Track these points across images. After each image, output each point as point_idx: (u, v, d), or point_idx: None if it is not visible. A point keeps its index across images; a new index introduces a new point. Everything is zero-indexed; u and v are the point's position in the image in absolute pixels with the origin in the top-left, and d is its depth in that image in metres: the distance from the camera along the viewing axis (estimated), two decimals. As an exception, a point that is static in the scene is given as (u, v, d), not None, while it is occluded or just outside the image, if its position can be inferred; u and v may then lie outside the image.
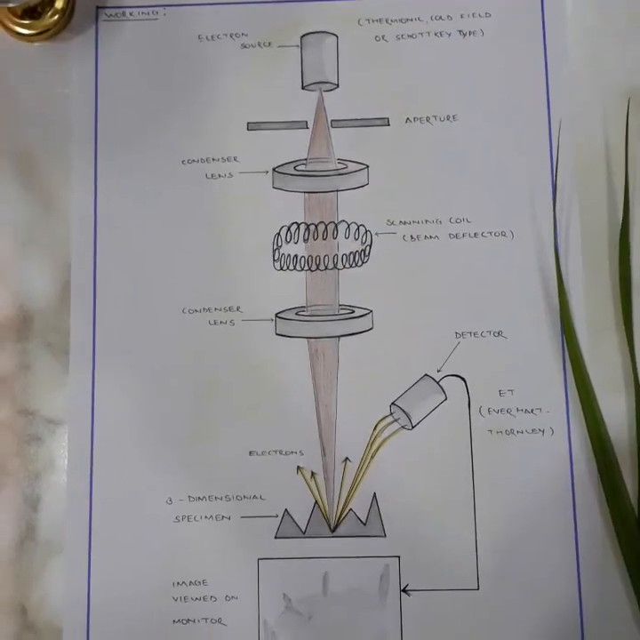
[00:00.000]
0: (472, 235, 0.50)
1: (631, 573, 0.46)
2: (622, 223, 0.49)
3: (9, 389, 0.49)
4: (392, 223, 0.50)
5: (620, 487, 0.47)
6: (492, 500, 0.48)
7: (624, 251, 0.49)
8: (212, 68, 0.52)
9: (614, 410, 0.48)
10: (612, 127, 0.51)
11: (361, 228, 0.50)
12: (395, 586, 0.47)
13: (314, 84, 0.52)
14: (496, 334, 0.49)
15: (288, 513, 0.48)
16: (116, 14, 0.53)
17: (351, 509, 0.48)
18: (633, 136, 0.50)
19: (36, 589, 0.48)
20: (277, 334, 0.50)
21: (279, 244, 0.50)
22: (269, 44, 0.52)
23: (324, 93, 0.52)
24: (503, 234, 0.50)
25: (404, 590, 0.47)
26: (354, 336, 0.50)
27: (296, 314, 0.50)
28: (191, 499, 0.48)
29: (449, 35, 0.52)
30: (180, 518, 0.48)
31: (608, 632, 0.47)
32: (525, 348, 0.49)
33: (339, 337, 0.50)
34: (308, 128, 0.51)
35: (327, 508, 0.48)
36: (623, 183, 0.49)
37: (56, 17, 0.52)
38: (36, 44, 0.52)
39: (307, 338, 0.50)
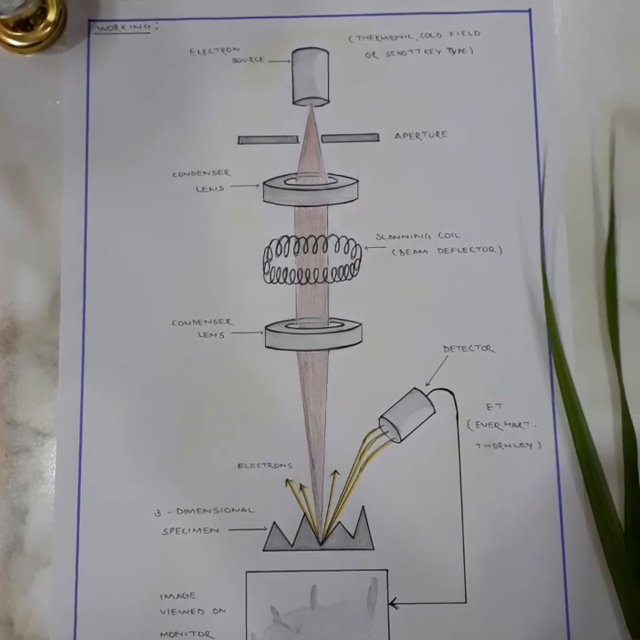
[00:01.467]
0: (461, 250, 0.51)
1: (617, 586, 0.46)
2: (608, 238, 0.50)
3: (-3, 401, 0.49)
4: (381, 237, 0.51)
5: (607, 501, 0.47)
6: (480, 514, 0.48)
7: (610, 266, 0.49)
8: (204, 82, 0.52)
9: (601, 424, 0.48)
10: (599, 144, 0.51)
11: (351, 241, 0.51)
12: (383, 599, 0.48)
13: (305, 99, 0.52)
14: (484, 348, 0.50)
15: (276, 526, 0.48)
16: (108, 27, 0.53)
17: (340, 522, 0.48)
18: (619, 153, 0.51)
19: (23, 601, 0.48)
20: (267, 347, 0.50)
21: (269, 257, 0.51)
22: (261, 58, 0.52)
23: (314, 108, 0.52)
24: (491, 249, 0.50)
25: (392, 603, 0.48)
26: (343, 349, 0.50)
27: (286, 326, 0.50)
28: (180, 511, 0.48)
29: (439, 52, 0.52)
30: (169, 530, 0.48)
31: (594, 645, 0.47)
32: (513, 362, 0.49)
33: (328, 350, 0.50)
34: (298, 143, 0.52)
35: (316, 521, 0.48)
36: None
37: (48, 29, 0.52)
38: (28, 55, 0.52)
39: (296, 350, 0.50)
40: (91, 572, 0.48)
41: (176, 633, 0.47)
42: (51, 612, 0.48)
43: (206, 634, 0.47)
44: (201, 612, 0.48)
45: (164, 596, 0.48)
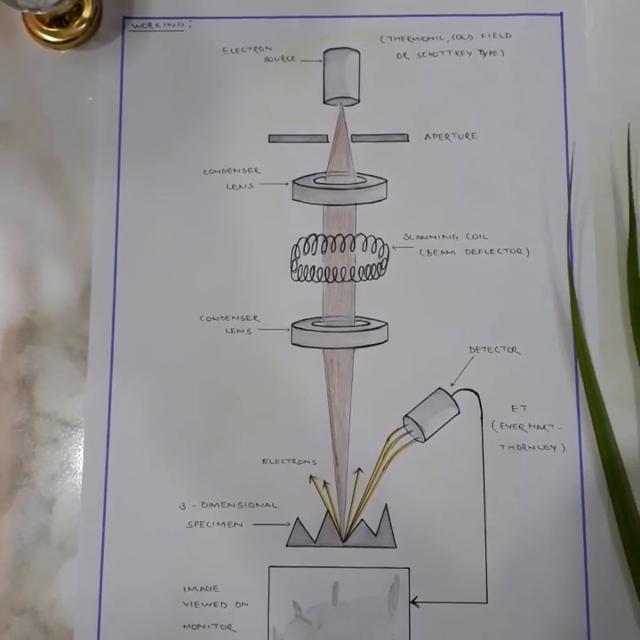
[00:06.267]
0: (488, 251, 0.51)
1: (639, 590, 0.46)
2: (629, 241, 0.49)
3: (27, 392, 0.50)
4: (409, 237, 0.51)
5: (630, 505, 0.47)
6: (503, 515, 0.48)
7: (633, 269, 0.49)
8: (236, 81, 0.53)
9: (625, 427, 0.48)
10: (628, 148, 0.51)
11: (378, 241, 0.51)
12: (404, 597, 0.48)
13: (335, 98, 0.52)
14: (510, 350, 0.50)
15: (300, 522, 0.49)
16: (143, 25, 0.53)
17: (362, 520, 0.49)
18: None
19: (48, 591, 0.48)
20: (293, 344, 0.50)
21: (297, 255, 0.51)
22: (293, 58, 0.53)
23: (345, 108, 0.52)
24: (519, 251, 0.51)
25: (414, 602, 0.48)
26: (369, 348, 0.50)
27: (312, 324, 0.50)
28: (204, 505, 0.49)
29: (469, 54, 0.53)
30: (193, 524, 0.49)
31: (615, 648, 0.47)
32: (538, 363, 0.50)
33: (354, 348, 0.50)
34: (328, 142, 0.52)
35: (339, 518, 0.49)
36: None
37: (83, 26, 0.52)
38: (62, 51, 0.53)
39: (322, 348, 0.50)
40: (116, 563, 0.48)
41: (199, 625, 0.48)
42: (75, 601, 0.48)
43: (228, 627, 0.48)
44: (224, 605, 0.48)
45: (187, 589, 0.48)
